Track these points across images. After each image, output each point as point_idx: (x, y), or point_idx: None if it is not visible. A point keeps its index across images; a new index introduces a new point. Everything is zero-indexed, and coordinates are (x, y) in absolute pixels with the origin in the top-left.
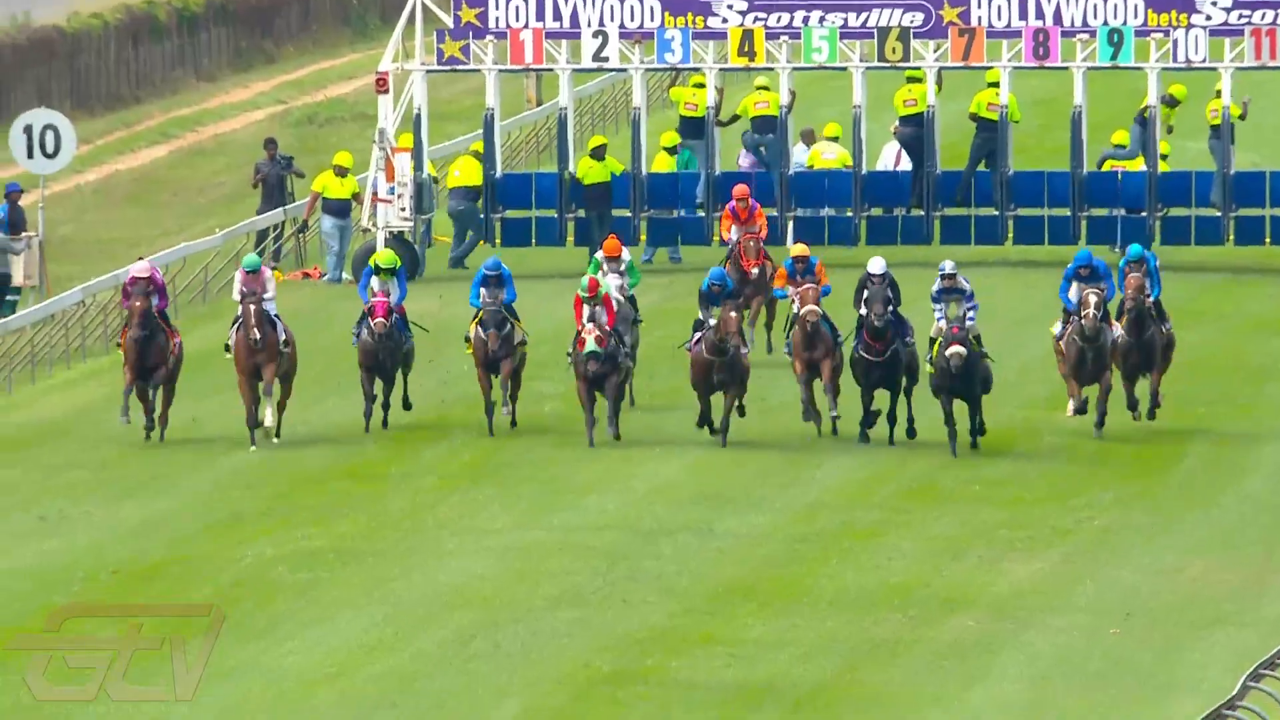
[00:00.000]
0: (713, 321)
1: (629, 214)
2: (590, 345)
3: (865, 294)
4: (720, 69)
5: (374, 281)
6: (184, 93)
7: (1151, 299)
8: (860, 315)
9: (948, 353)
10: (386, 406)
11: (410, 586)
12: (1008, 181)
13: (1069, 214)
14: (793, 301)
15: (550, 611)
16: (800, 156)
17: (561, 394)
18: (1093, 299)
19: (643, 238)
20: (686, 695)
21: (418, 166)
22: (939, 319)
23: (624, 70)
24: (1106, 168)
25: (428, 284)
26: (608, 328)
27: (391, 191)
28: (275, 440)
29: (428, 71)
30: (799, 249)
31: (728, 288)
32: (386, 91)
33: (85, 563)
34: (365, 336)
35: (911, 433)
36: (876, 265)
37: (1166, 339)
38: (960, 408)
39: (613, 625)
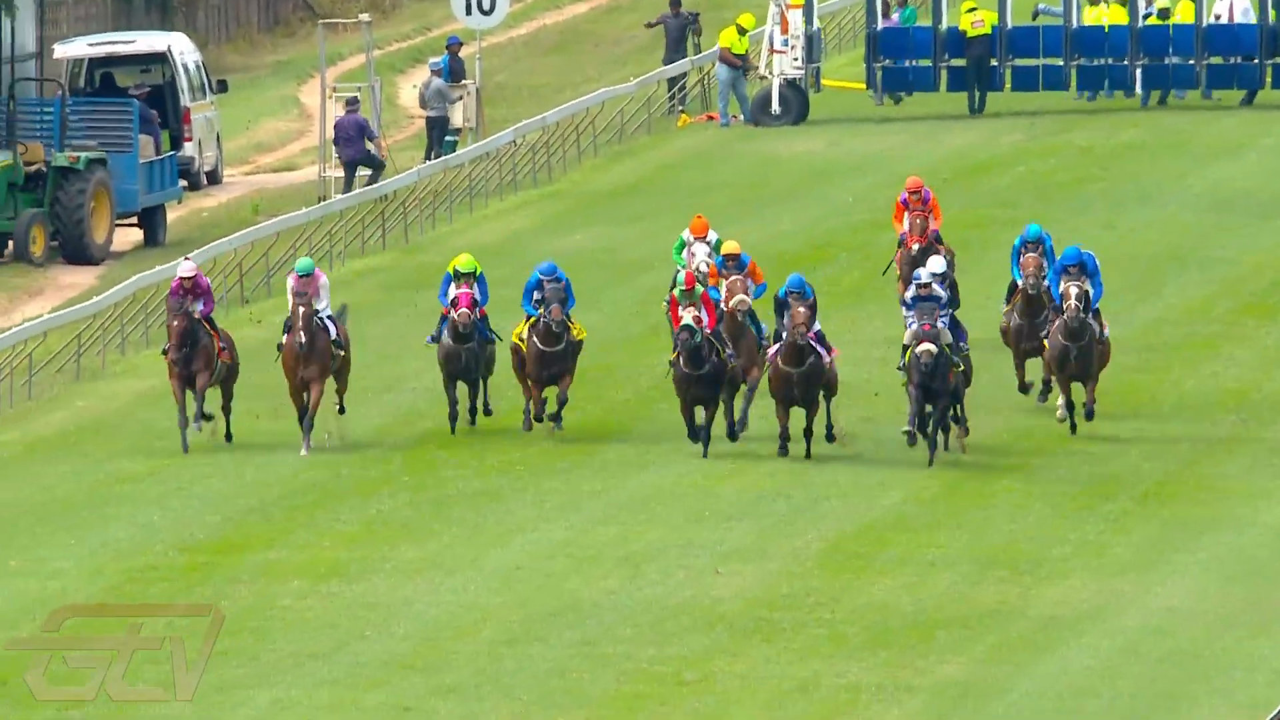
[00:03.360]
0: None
1: (995, 63)
2: (686, 320)
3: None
4: None
5: (452, 288)
6: None
7: (1047, 282)
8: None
9: (918, 350)
10: (473, 411)
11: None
12: None
13: None
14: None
15: None
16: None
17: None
18: (1074, 290)
19: (1007, 85)
20: (1047, 488)
21: (808, 20)
22: (910, 325)
23: None
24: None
25: (812, 126)
26: (708, 329)
27: (785, 43)
28: (328, 439)
29: None
30: (729, 246)
31: (807, 296)
32: None
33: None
34: (446, 340)
35: (965, 429)
36: (936, 264)
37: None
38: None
39: (979, 428)
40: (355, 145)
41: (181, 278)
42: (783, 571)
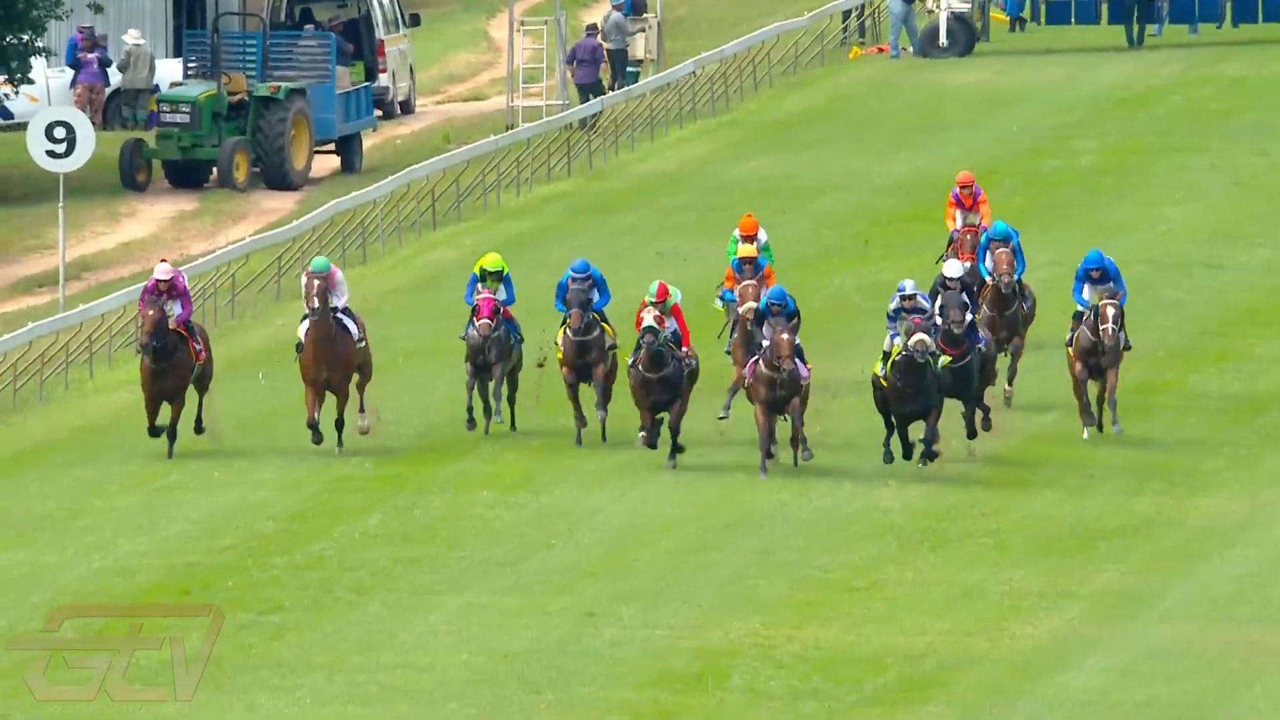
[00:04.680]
0: (767, 342)
1: None
2: (648, 321)
3: (941, 299)
4: None
5: (479, 287)
6: None
7: (1017, 277)
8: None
9: (911, 340)
10: (511, 401)
11: None
12: None
13: None
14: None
15: None
16: None
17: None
18: (1110, 311)
19: (1158, 21)
20: (1200, 404)
21: None
22: (892, 336)
23: None
24: None
25: (978, 58)
26: (681, 345)
27: None
28: (363, 432)
29: None
30: (746, 250)
31: (788, 308)
32: None
33: (694, 290)
34: (473, 333)
35: (973, 431)
36: (953, 269)
37: (1027, 315)
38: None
39: (1136, 345)
40: (588, 69)
41: (158, 280)
42: (947, 484)
